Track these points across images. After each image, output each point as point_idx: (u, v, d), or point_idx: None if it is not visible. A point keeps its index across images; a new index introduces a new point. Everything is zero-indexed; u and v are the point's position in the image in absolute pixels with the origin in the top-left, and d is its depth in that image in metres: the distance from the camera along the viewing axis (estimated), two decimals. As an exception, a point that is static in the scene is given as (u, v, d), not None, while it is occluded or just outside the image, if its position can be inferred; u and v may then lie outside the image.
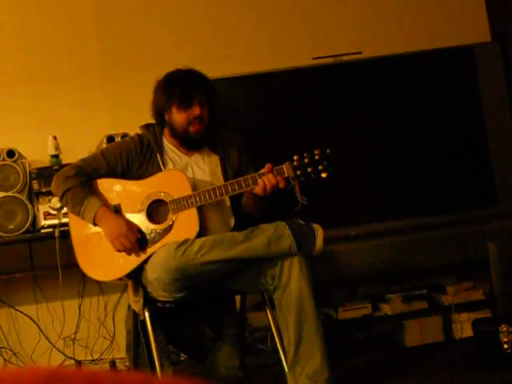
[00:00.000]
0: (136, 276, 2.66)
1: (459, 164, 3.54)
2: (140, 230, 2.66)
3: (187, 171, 2.75)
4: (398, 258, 3.43)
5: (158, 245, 2.61)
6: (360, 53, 3.54)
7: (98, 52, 3.83)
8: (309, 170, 2.60)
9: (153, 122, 2.86)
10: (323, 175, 2.60)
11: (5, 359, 3.60)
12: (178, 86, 2.71)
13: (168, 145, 2.81)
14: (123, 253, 2.63)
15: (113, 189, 2.72)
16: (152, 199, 2.68)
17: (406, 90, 3.57)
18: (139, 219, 2.68)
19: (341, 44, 3.76)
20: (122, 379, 0.42)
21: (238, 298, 2.99)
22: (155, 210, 2.68)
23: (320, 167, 2.60)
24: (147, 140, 2.78)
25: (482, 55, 3.55)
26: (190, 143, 2.77)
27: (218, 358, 2.88)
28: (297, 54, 3.75)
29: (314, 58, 3.53)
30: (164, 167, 2.73)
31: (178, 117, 2.72)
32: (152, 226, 2.66)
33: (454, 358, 3.15)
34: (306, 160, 2.61)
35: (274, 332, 2.74)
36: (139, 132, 2.86)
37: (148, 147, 2.76)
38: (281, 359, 2.67)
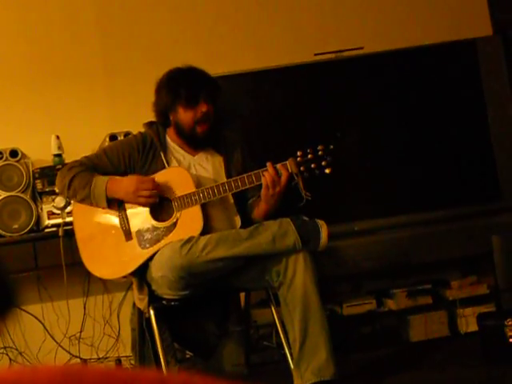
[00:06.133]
0: (140, 274, 2.66)
1: (462, 158, 3.54)
2: (140, 232, 2.66)
3: (190, 170, 2.75)
4: (402, 253, 3.42)
5: (162, 242, 2.61)
6: (362, 48, 3.53)
7: (100, 50, 3.83)
8: (312, 165, 2.60)
9: (156, 120, 2.86)
10: (327, 171, 2.60)
11: (10, 359, 3.60)
12: (183, 85, 2.70)
13: (171, 143, 2.81)
14: (149, 205, 2.62)
15: None
16: None
17: (408, 85, 3.56)
18: (143, 216, 2.68)
19: (342, 39, 3.76)
20: (136, 377, 0.42)
21: (242, 295, 3.00)
22: (159, 207, 2.68)
23: (323, 163, 2.60)
24: (150, 138, 2.77)
25: (484, 49, 3.54)
26: (195, 142, 2.77)
27: (223, 355, 2.89)
28: (298, 50, 3.75)
29: (315, 54, 3.52)
30: (168, 165, 2.73)
31: (184, 116, 2.72)
32: (156, 224, 2.66)
33: (459, 353, 3.15)
34: (309, 156, 2.61)
35: (279, 328, 2.75)
36: (142, 130, 2.86)
37: (151, 145, 2.76)
38: (286, 356, 2.68)
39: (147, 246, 2.64)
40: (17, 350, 3.62)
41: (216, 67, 3.51)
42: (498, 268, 3.38)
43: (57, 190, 3.19)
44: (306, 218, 2.57)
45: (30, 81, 3.77)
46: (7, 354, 3.61)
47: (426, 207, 3.48)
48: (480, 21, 3.97)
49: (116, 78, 3.82)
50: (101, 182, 2.63)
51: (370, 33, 3.89)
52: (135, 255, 2.64)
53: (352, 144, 3.48)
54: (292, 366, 2.60)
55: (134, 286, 2.71)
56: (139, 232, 2.67)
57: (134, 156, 2.73)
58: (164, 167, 2.72)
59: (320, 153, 2.61)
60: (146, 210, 2.68)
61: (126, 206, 2.69)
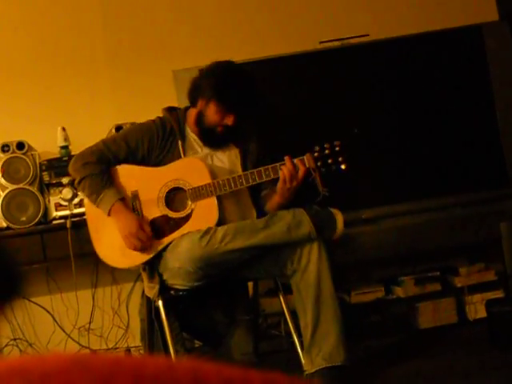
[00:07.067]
0: (151, 262, 2.66)
1: (470, 144, 3.52)
2: (154, 222, 2.66)
3: (206, 161, 2.73)
4: (410, 241, 3.42)
5: (176, 233, 2.61)
6: (367, 35, 3.51)
7: (105, 42, 3.82)
8: (329, 161, 2.62)
9: (176, 106, 2.84)
10: (343, 167, 2.62)
11: (20, 350, 3.63)
12: (229, 92, 2.64)
13: (190, 133, 2.78)
14: (135, 250, 2.63)
15: (132, 175, 2.70)
16: (170, 187, 2.68)
17: (414, 71, 3.54)
18: (157, 206, 2.68)
19: (348, 27, 3.74)
20: (145, 364, 0.42)
21: (250, 284, 3.00)
22: (173, 197, 2.67)
23: (340, 159, 2.62)
24: (170, 125, 2.74)
25: (491, 35, 3.52)
26: (210, 139, 2.74)
27: (231, 344, 2.90)
28: (303, 38, 3.73)
29: (320, 42, 3.51)
30: (184, 155, 2.72)
31: (211, 114, 2.67)
32: (170, 214, 2.66)
33: (467, 340, 3.15)
34: (326, 151, 2.62)
35: (288, 317, 2.76)
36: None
37: (170, 133, 2.73)
38: (295, 344, 2.69)
39: (161, 235, 2.64)
40: (27, 341, 3.64)
41: (219, 56, 3.50)
42: (506, 254, 3.37)
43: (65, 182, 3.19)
44: (317, 208, 2.58)
45: (35, 73, 3.77)
46: (17, 346, 3.63)
47: (434, 194, 3.47)
48: (486, 6, 3.94)
49: (121, 70, 3.81)
50: (108, 200, 2.62)
51: (375, 20, 3.87)
52: (149, 245, 2.64)
53: (359, 131, 3.47)
54: (301, 353, 2.62)
55: (144, 275, 2.71)
56: (153, 222, 2.66)
57: (153, 141, 2.71)
58: (180, 157, 2.71)
59: (337, 148, 2.63)
60: (161, 199, 2.67)
61: (140, 195, 2.69)
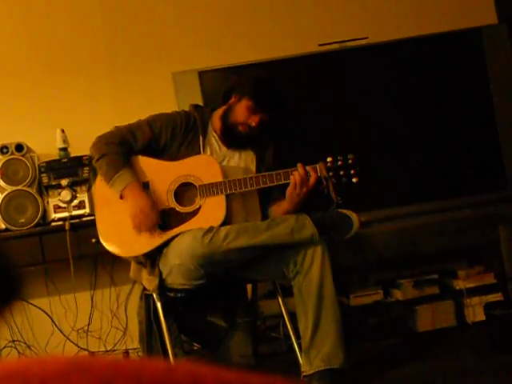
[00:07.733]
0: (153, 256, 2.66)
1: (468, 148, 3.53)
2: (163, 215, 2.66)
3: (223, 162, 2.76)
4: (409, 244, 3.42)
5: (181, 227, 2.61)
6: (366, 38, 3.52)
7: (105, 44, 3.82)
8: (341, 172, 2.63)
9: (201, 104, 2.86)
10: (354, 180, 2.64)
11: (19, 352, 3.62)
12: (265, 95, 2.71)
13: (212, 132, 2.81)
14: (139, 231, 2.62)
15: (146, 166, 2.72)
16: (181, 181, 2.69)
17: (413, 74, 3.55)
18: (165, 199, 2.68)
19: (347, 30, 3.74)
20: (144, 367, 0.42)
21: (249, 286, 3.00)
22: (183, 192, 2.69)
23: (352, 171, 2.63)
24: (193, 119, 2.78)
25: (490, 38, 3.52)
26: (230, 139, 2.76)
27: (230, 346, 2.90)
28: (302, 41, 3.74)
29: (319, 45, 3.51)
30: (203, 151, 2.74)
31: (240, 109, 2.72)
32: (178, 208, 2.67)
33: (466, 343, 3.15)
34: (339, 163, 2.63)
35: (286, 319, 2.76)
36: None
37: (193, 126, 2.77)
38: (293, 346, 2.69)
39: (167, 228, 2.64)
40: (25, 343, 3.64)
41: (219, 59, 3.52)
42: (504, 257, 3.38)
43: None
44: (322, 213, 2.61)
45: (34, 75, 3.77)
46: (16, 348, 3.63)
47: (432, 197, 3.47)
48: (485, 9, 3.95)
49: (120, 72, 3.81)
50: (124, 179, 2.62)
51: (374, 23, 3.87)
52: (153, 236, 2.64)
53: (357, 134, 3.48)
54: (299, 355, 2.62)
55: (134, 265, 2.71)
56: (160, 214, 2.67)
57: (176, 131, 2.74)
58: (199, 152, 2.73)
59: (350, 161, 2.65)
60: (170, 192, 2.68)
61: (150, 186, 2.70)
